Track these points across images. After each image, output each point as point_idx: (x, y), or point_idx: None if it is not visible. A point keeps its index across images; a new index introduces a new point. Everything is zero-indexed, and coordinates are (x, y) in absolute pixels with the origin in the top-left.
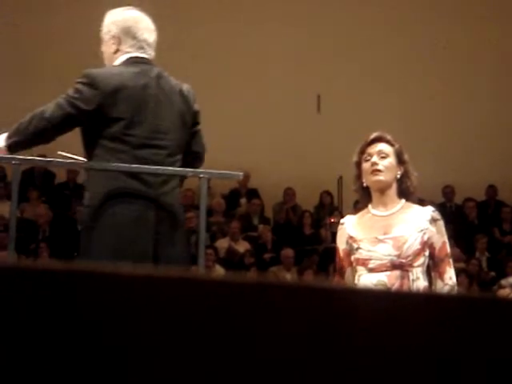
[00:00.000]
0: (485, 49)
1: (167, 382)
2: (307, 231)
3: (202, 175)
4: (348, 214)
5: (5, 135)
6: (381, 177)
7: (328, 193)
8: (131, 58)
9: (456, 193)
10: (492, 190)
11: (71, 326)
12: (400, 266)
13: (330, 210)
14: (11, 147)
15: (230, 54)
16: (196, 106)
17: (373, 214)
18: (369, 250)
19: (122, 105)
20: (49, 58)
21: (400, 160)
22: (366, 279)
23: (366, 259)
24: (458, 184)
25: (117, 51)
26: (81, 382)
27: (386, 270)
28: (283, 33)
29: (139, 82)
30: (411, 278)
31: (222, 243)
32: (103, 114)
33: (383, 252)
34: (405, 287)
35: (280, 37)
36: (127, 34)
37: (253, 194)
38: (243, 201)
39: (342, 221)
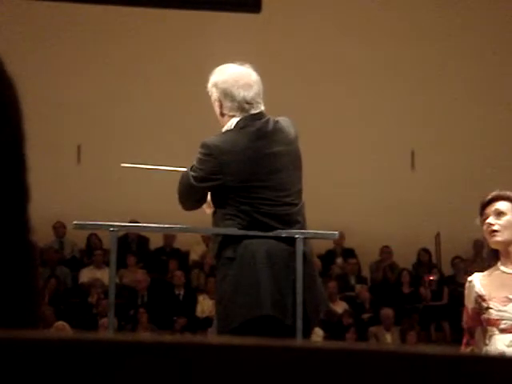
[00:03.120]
0: None
1: None
2: (406, 290)
3: (297, 236)
4: (446, 270)
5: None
6: (498, 237)
7: (426, 250)
8: (240, 121)
9: None
10: None
11: None
12: None
13: (428, 267)
14: None
15: (324, 112)
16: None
17: (502, 271)
18: (499, 310)
19: (238, 172)
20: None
21: None
22: (497, 340)
23: (497, 319)
24: None
25: (222, 114)
26: None
27: None
28: (376, 89)
29: (255, 144)
30: None
31: None
32: (222, 183)
33: None
34: None
35: (373, 93)
36: (225, 96)
37: (349, 253)
38: (339, 260)
39: (469, 278)
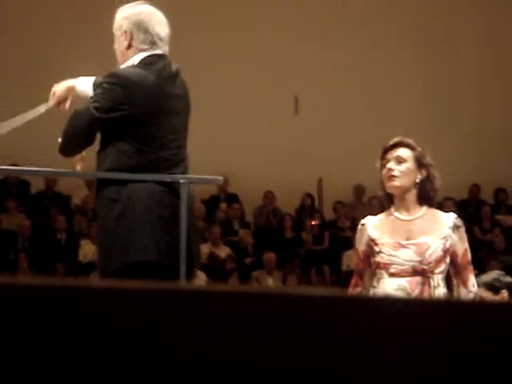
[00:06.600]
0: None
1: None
2: (288, 234)
3: (181, 180)
4: (328, 215)
5: (91, 80)
6: (396, 182)
7: (308, 195)
8: (147, 57)
9: None
10: (475, 188)
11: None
12: (421, 272)
13: (310, 212)
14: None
15: (208, 57)
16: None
17: (395, 217)
18: (390, 255)
19: (145, 106)
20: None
21: (420, 164)
22: (386, 284)
23: (388, 263)
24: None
25: (129, 47)
26: None
27: (407, 276)
28: (259, 35)
29: (161, 83)
30: (432, 284)
31: (203, 249)
32: (128, 114)
33: (405, 257)
34: (425, 294)
35: (256, 39)
36: (139, 28)
37: (232, 198)
38: (223, 205)
39: (362, 221)
